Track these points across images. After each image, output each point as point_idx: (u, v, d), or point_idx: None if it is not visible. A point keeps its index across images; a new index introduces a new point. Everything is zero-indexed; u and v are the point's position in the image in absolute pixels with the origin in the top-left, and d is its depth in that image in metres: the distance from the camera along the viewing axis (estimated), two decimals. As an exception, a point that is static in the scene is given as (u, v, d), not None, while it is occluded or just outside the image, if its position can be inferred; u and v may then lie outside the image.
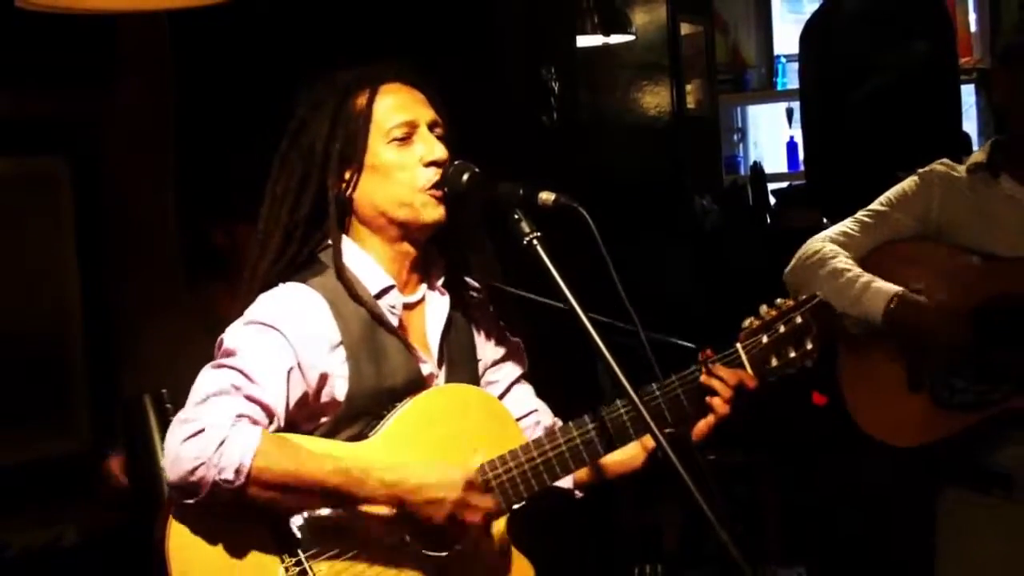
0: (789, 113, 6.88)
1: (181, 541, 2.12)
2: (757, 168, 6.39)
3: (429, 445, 2.23)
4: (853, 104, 4.80)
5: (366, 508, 2.14)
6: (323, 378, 2.20)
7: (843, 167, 4.82)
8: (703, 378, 2.27)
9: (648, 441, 2.32)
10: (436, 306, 2.34)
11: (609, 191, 5.00)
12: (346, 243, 2.28)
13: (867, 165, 4.63)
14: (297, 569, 2.14)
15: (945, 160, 3.16)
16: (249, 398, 2.12)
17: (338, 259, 2.25)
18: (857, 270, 3.04)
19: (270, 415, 2.15)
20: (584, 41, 5.36)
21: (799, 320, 2.34)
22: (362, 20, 4.40)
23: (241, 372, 2.14)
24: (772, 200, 6.16)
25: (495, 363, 2.43)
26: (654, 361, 2.25)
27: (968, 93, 5.10)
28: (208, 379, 2.15)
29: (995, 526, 2.99)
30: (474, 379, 2.38)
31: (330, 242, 2.27)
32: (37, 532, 3.67)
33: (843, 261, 3.05)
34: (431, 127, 2.28)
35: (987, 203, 3.05)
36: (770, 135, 7.29)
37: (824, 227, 3.28)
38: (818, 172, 5.18)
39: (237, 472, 2.05)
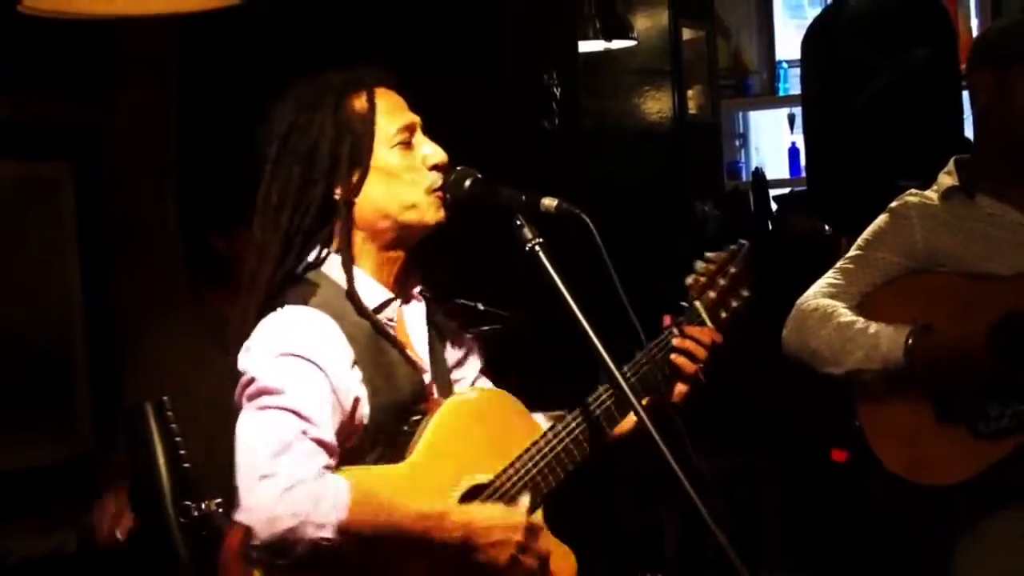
0: (791, 119, 6.88)
1: None
2: (759, 174, 6.37)
3: (465, 453, 2.24)
4: (855, 109, 4.79)
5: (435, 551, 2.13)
6: (356, 401, 2.17)
7: (845, 173, 4.82)
8: (676, 341, 2.37)
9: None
10: (415, 313, 2.33)
11: (611, 197, 5.00)
12: (337, 258, 2.23)
13: (869, 171, 4.63)
14: None
15: (914, 190, 3.09)
16: (316, 441, 2.07)
17: (349, 271, 2.21)
18: (862, 320, 2.95)
19: (333, 454, 2.11)
20: (586, 46, 5.36)
21: (734, 271, 2.48)
22: (365, 26, 4.40)
23: (298, 415, 2.07)
24: (774, 206, 6.15)
25: (458, 361, 2.44)
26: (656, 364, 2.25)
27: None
28: (269, 426, 2.07)
29: (1016, 540, 2.94)
30: (449, 380, 2.39)
31: (318, 256, 2.23)
32: (38, 539, 3.67)
33: (846, 314, 2.96)
34: (423, 130, 2.29)
35: (969, 225, 2.98)
36: (772, 141, 7.28)
37: (826, 233, 3.24)
38: (820, 178, 5.18)
39: (336, 528, 2.01)
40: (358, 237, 2.25)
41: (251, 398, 2.10)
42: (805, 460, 4.67)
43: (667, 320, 2.40)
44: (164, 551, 2.86)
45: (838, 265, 3.07)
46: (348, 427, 2.16)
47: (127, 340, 3.83)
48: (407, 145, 2.25)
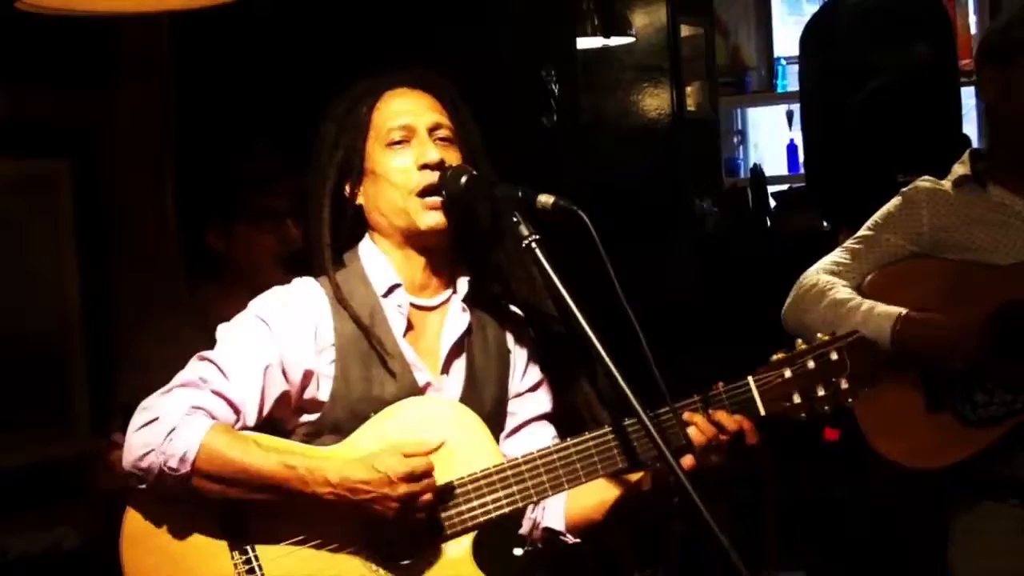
0: (789, 115, 6.88)
1: (134, 528, 2.19)
2: (757, 171, 6.38)
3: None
4: (853, 106, 4.79)
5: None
6: (307, 375, 2.21)
7: (843, 170, 4.81)
8: (687, 415, 2.17)
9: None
10: (455, 317, 2.31)
11: (609, 193, 5.00)
12: (365, 243, 2.31)
13: (867, 168, 4.62)
14: (243, 558, 2.17)
15: (928, 177, 3.11)
16: (215, 392, 2.17)
17: (326, 265, 2.26)
18: (858, 298, 2.97)
19: (236, 411, 2.18)
20: (584, 43, 5.36)
21: (834, 356, 2.24)
22: (360, 22, 4.40)
23: (215, 365, 2.19)
24: (772, 203, 6.15)
25: (519, 395, 2.38)
26: (653, 366, 2.23)
27: (968, 95, 5.08)
28: (185, 370, 2.21)
29: (1011, 535, 2.95)
30: (498, 403, 2.34)
31: (362, 243, 2.31)
32: (37, 535, 3.67)
33: (842, 291, 2.99)
34: (431, 130, 2.27)
35: (978, 213, 3.00)
36: (770, 137, 7.29)
37: (824, 230, 3.25)
38: (818, 174, 5.18)
39: (182, 460, 2.11)
40: (377, 234, 2.31)
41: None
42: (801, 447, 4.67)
43: (715, 388, 2.22)
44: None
45: (846, 244, 3.11)
46: (296, 401, 2.22)
47: (125, 337, 3.83)
48: (402, 145, 2.26)
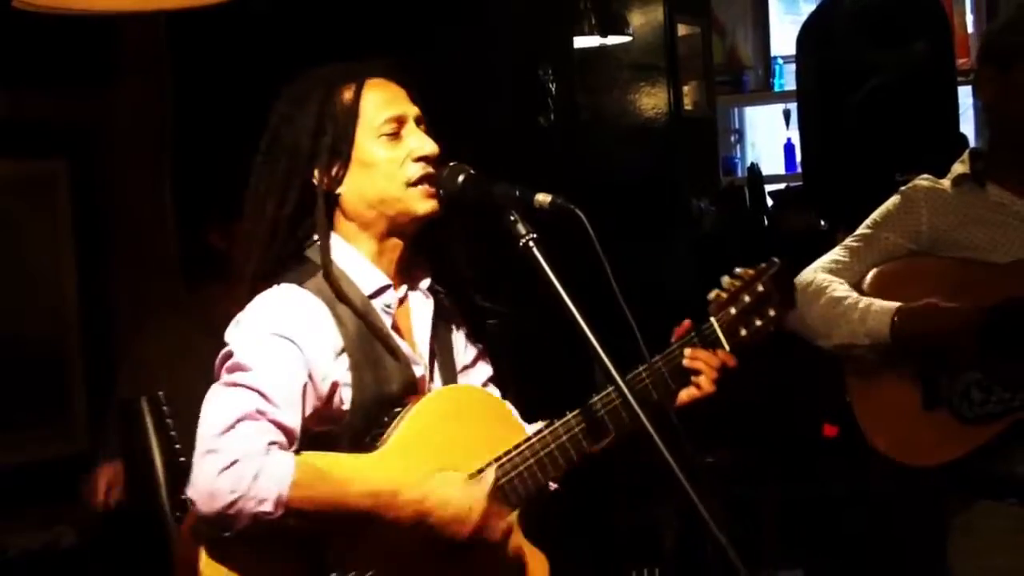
0: (786, 114, 6.88)
1: None
2: (754, 170, 6.38)
3: (440, 449, 2.21)
4: (850, 105, 4.80)
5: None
6: (333, 387, 2.18)
7: (840, 169, 4.82)
8: (687, 362, 2.31)
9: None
10: (421, 307, 2.32)
11: (606, 192, 5.00)
12: (336, 240, 2.26)
13: (864, 167, 4.63)
14: None
15: (927, 175, 3.12)
16: (274, 423, 2.08)
17: (326, 258, 2.22)
18: (855, 295, 2.97)
19: (291, 438, 2.11)
20: (581, 42, 5.36)
21: (761, 288, 2.37)
22: (359, 21, 4.40)
23: (261, 395, 2.09)
24: (769, 202, 6.15)
25: (466, 367, 2.41)
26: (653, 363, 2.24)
27: (965, 94, 5.08)
28: (229, 402, 2.09)
29: (1010, 534, 2.95)
30: (455, 380, 2.37)
31: (317, 239, 2.24)
32: (35, 534, 3.67)
33: (839, 289, 2.99)
34: (418, 122, 2.28)
35: (977, 213, 3.01)
36: (767, 136, 7.28)
37: (821, 229, 3.25)
38: (815, 174, 5.19)
39: (277, 503, 2.03)
40: (351, 226, 2.26)
41: (225, 371, 2.13)
42: (800, 443, 4.68)
43: (686, 324, 2.34)
44: (159, 545, 2.86)
45: (844, 242, 3.10)
46: (323, 412, 2.18)
47: (123, 337, 3.84)
48: (393, 137, 2.25)
